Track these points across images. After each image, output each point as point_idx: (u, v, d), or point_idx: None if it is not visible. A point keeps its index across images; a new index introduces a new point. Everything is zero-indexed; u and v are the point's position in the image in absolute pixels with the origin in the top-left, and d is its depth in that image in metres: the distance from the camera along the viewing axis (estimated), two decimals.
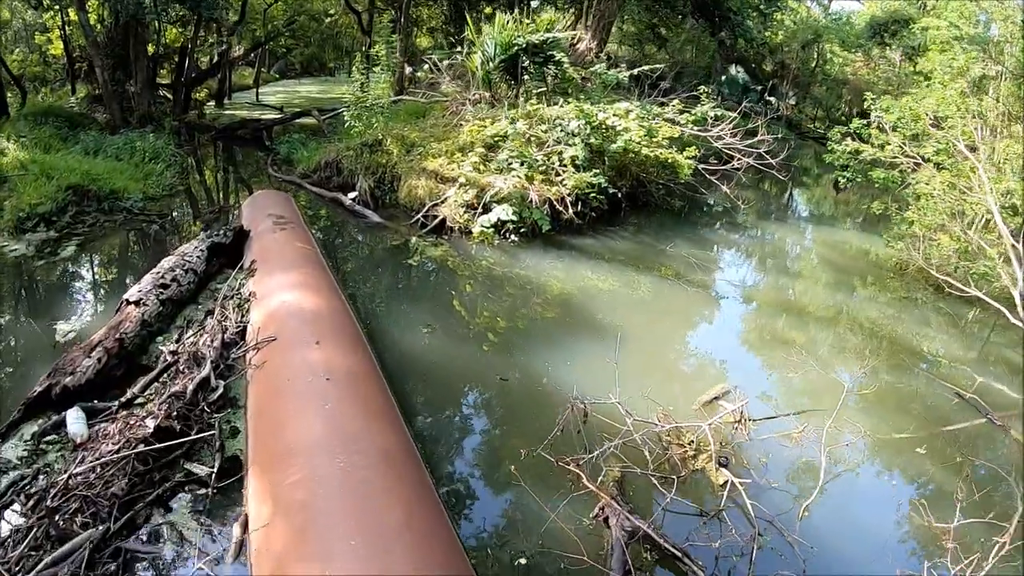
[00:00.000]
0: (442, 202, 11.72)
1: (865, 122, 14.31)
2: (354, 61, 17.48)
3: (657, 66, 17.09)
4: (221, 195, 15.12)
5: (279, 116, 23.26)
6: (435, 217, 11.55)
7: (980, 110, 11.84)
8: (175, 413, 5.37)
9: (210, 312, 7.57)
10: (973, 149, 11.26)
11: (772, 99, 34.95)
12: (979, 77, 12.70)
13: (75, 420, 5.35)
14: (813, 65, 40.45)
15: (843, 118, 42.48)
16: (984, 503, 5.56)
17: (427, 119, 15.06)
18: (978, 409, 7.25)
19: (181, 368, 6.18)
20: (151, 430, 5.09)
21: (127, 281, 8.98)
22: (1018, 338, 9.31)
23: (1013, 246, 9.18)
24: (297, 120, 22.14)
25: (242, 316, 7.32)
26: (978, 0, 28.30)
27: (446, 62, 18.48)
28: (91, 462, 4.78)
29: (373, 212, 12.28)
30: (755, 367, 8.24)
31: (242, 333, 6.95)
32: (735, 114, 15.46)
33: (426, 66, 22.30)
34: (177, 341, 6.91)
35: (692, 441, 6.03)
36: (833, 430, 6.22)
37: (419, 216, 11.71)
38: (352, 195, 12.78)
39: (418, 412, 6.35)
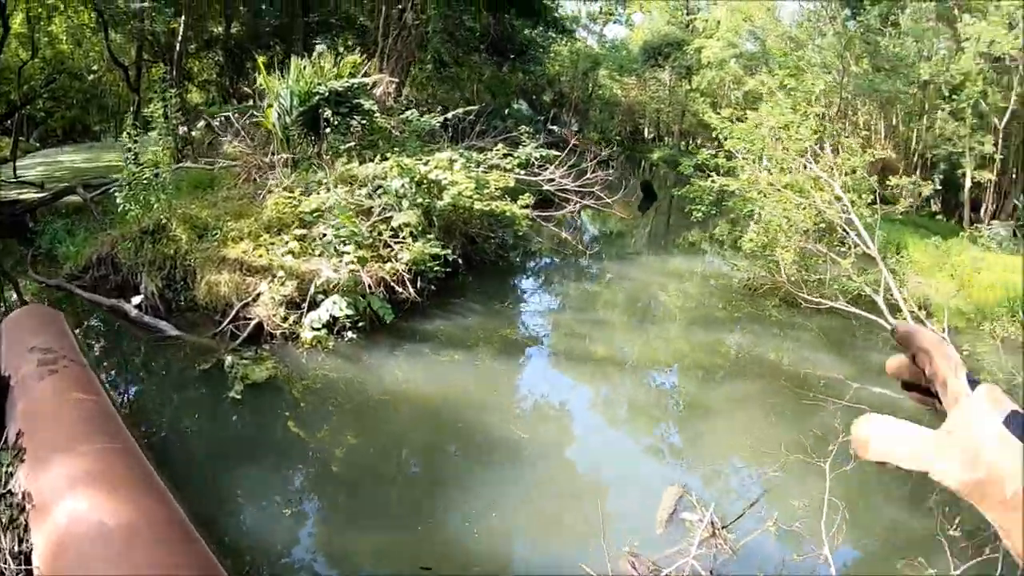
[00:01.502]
0: (255, 300, 9.03)
1: (712, 152, 13.34)
2: (123, 124, 14.27)
3: (471, 108, 15.20)
4: None
5: (41, 195, 19.31)
6: (248, 321, 8.85)
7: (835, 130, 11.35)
8: None
9: None
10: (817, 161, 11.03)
11: (555, 128, 35.07)
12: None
13: None
14: (590, 92, 40.82)
15: (617, 137, 43.53)
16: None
17: (217, 190, 12.24)
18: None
19: None
20: None
21: None
22: (880, 339, 9.71)
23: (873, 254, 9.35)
24: (62, 199, 18.19)
25: (18, 542, 4.54)
26: (751, 21, 28.93)
27: (218, 120, 15.75)
28: None
29: (167, 323, 9.19)
30: (673, 440, 7.35)
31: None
32: (562, 153, 13.88)
33: (201, 123, 19.38)
34: None
35: None
36: (804, 511, 5.48)
37: (227, 323, 8.89)
38: (137, 300, 9.63)
39: None
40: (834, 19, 22.54)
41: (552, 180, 13.26)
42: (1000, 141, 18.99)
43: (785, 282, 10.53)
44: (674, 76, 40.17)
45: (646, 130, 51.29)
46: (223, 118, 16.12)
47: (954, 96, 19.55)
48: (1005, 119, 18.77)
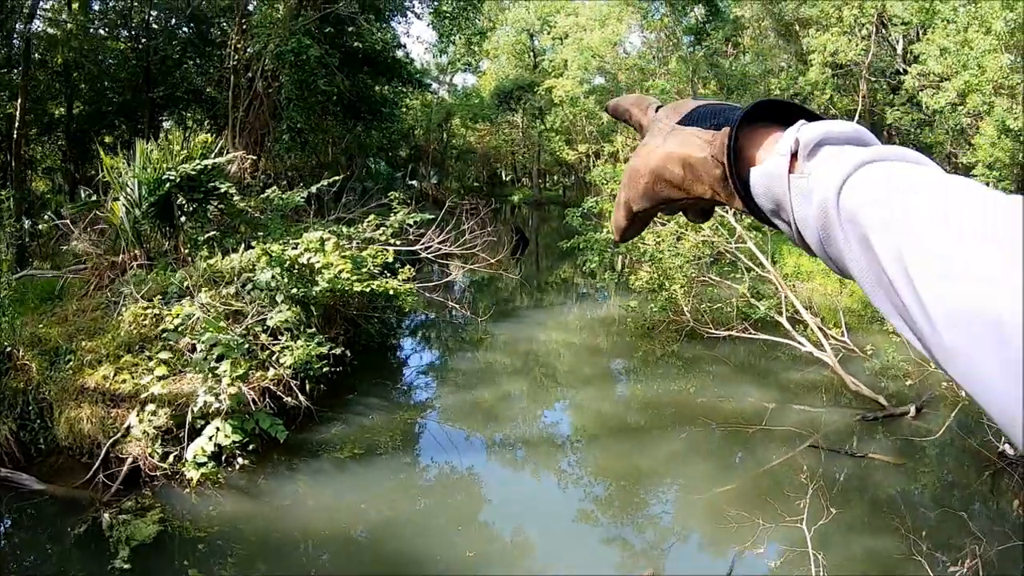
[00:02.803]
0: (124, 436, 7.80)
1: (595, 199, 13.04)
2: None
3: (336, 178, 14.25)
4: None
5: None
6: (123, 461, 7.59)
7: None
8: None
9: None
10: None
11: (414, 182, 34.81)
12: None
13: None
14: (445, 143, 40.63)
15: (475, 184, 43.42)
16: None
17: (68, 301, 10.78)
18: (841, 451, 7.44)
19: None
20: None
21: None
22: (782, 352, 9.71)
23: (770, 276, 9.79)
24: None
25: None
26: (600, 57, 29.34)
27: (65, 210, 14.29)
28: None
29: (28, 475, 7.64)
30: (625, 514, 6.90)
31: None
32: (435, 214, 13.15)
33: (47, 215, 17.65)
34: None
35: None
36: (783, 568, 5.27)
37: (97, 466, 7.52)
38: None
39: None
40: (677, 45, 23.32)
41: (430, 247, 12.51)
42: None
43: (689, 318, 10.39)
44: (527, 118, 40.23)
45: (503, 173, 51.52)
46: (70, 214, 14.61)
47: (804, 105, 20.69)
48: (855, 120, 19.74)
